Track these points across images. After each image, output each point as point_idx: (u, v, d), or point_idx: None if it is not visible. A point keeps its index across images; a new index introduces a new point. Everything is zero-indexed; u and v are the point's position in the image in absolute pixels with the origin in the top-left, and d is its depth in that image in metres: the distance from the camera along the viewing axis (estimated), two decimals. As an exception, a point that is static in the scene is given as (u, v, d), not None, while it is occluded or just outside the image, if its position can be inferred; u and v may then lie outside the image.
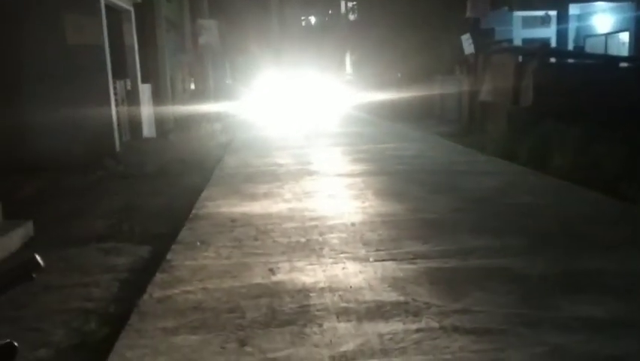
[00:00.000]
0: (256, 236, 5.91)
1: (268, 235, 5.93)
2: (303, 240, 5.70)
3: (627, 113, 10.98)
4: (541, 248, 5.22)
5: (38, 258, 1.32)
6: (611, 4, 17.67)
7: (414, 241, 5.50)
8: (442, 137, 15.43)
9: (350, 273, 4.71)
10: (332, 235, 5.84)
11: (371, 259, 5.02)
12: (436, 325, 3.67)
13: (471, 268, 4.73)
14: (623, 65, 15.69)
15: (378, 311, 3.91)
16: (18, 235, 5.87)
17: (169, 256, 5.31)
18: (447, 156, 11.53)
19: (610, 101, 11.81)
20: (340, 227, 6.12)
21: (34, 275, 1.36)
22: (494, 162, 10.33)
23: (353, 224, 6.22)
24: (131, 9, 13.89)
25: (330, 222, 6.33)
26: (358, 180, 8.87)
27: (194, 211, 7.09)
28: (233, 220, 6.58)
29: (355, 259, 5.06)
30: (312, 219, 6.54)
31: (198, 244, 5.70)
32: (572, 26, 18.63)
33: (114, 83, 12.25)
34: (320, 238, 5.74)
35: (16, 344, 1.38)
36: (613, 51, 17.88)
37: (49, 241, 6.06)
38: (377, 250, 5.28)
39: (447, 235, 5.68)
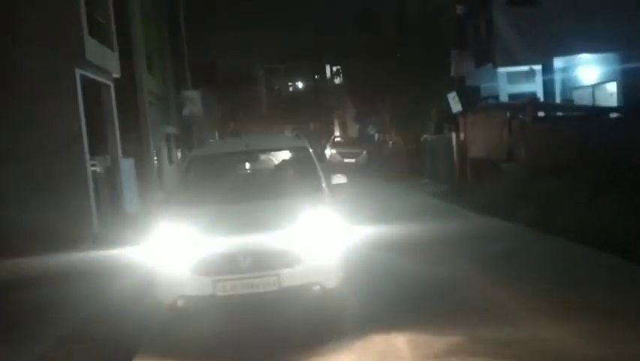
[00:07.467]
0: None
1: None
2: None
3: (621, 165, 10.56)
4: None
5: None
6: (595, 56, 17.65)
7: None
8: (433, 196, 15.01)
9: None
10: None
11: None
12: None
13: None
14: (613, 115, 15.50)
15: None
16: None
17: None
18: (440, 217, 11.03)
19: (602, 153, 11.41)
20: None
21: None
22: (495, 225, 9.81)
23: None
24: (111, 83, 13.62)
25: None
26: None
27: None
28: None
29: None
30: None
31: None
32: (557, 79, 18.55)
33: (92, 159, 11.82)
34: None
35: None
36: (601, 102, 17.71)
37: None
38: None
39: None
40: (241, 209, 5.89)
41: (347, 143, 34.96)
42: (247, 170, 7.86)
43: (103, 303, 6.55)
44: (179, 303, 5.22)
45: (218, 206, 5.97)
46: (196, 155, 7.24)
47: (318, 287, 5.23)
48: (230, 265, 5.15)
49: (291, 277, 5.15)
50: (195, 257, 5.21)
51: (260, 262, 5.15)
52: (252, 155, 7.43)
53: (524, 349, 4.38)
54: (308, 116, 51.08)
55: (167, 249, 5.40)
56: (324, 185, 6.49)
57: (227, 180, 6.93)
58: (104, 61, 12.71)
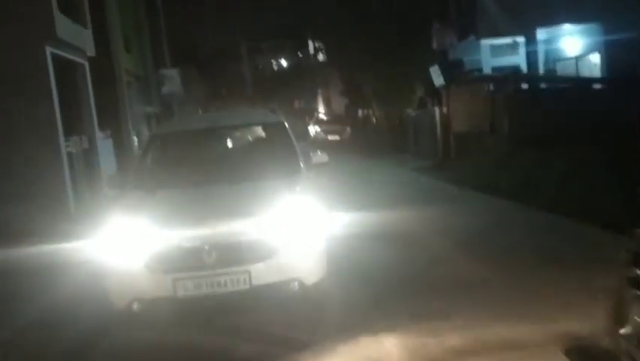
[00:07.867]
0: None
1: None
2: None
3: (604, 136, 10.47)
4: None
5: None
6: (578, 27, 17.43)
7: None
8: (417, 172, 14.92)
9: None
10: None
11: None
12: None
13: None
14: (597, 86, 15.43)
15: None
16: None
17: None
18: (423, 193, 10.92)
19: (585, 124, 11.31)
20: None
21: None
22: (478, 199, 9.71)
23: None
24: (85, 62, 13.24)
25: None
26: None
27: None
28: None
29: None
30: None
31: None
32: (541, 51, 18.35)
33: (67, 140, 11.53)
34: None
35: None
36: (585, 73, 17.54)
37: None
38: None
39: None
40: (206, 194, 5.08)
41: (331, 120, 34.76)
42: (214, 149, 6.58)
43: (75, 294, 6.16)
44: (135, 307, 4.44)
45: (179, 191, 5.19)
46: (156, 133, 6.44)
47: (295, 284, 4.46)
48: (192, 261, 4.38)
49: (265, 273, 4.39)
50: (151, 251, 4.43)
51: (227, 256, 4.39)
52: (220, 132, 6.44)
53: (525, 348, 3.89)
54: (292, 93, 50.69)
55: (118, 242, 4.58)
56: (302, 165, 5.70)
57: (190, 162, 5.91)
58: (76, 39, 12.33)
